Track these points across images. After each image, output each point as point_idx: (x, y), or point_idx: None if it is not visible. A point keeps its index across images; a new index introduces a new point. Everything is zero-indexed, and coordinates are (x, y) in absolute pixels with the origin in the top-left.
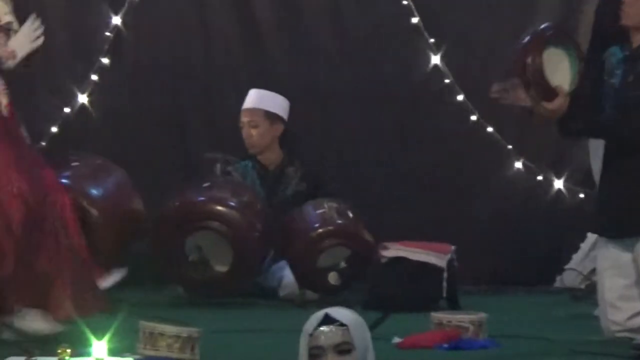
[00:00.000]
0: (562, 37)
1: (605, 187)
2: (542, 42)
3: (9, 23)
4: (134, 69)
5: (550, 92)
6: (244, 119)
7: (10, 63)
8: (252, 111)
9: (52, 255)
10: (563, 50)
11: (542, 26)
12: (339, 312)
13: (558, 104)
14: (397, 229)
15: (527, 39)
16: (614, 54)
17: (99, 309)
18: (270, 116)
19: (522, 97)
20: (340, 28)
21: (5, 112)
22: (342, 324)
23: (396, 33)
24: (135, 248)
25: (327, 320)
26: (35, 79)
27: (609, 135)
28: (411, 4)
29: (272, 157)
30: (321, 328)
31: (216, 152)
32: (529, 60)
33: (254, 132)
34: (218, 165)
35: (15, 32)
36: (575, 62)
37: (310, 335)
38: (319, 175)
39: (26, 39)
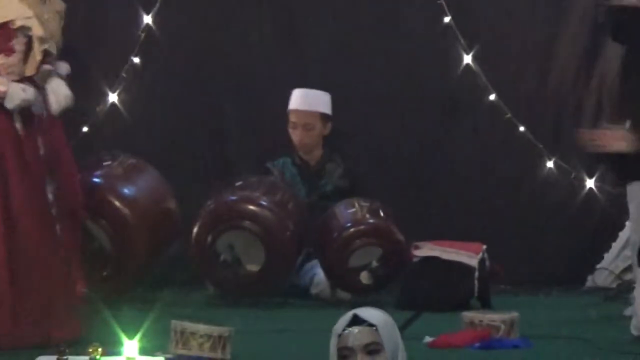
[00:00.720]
0: None
1: None
2: None
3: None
4: (165, 68)
5: None
6: (298, 120)
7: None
8: (308, 114)
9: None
10: None
11: None
12: (368, 313)
13: None
14: (429, 228)
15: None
16: None
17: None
18: (324, 117)
19: (619, 141)
20: (373, 27)
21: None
22: (370, 324)
23: (428, 32)
24: (168, 248)
25: (356, 320)
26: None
27: None
28: (444, 3)
29: (316, 153)
30: (350, 329)
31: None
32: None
33: (309, 134)
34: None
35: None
36: None
37: (339, 336)
38: (359, 173)
39: (19, 95)
